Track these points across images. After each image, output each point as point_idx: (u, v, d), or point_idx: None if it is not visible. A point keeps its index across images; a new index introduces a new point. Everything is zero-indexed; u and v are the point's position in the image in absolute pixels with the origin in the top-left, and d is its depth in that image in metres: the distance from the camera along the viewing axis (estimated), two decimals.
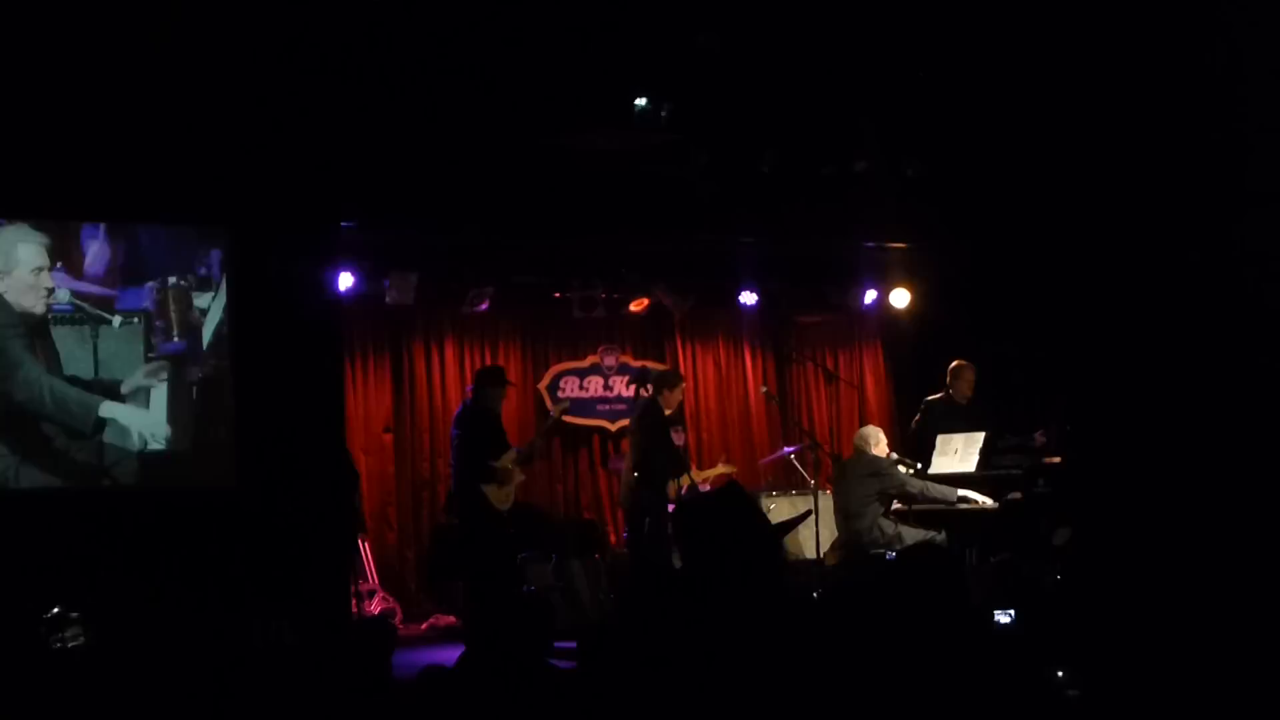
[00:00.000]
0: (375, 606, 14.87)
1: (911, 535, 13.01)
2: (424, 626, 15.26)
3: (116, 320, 12.57)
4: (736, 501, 4.66)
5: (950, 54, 13.21)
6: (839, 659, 4.18)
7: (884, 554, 12.71)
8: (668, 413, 14.42)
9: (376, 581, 15.28)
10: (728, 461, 16.43)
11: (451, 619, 15.11)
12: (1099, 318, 14.22)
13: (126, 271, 12.64)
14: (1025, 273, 15.35)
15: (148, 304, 12.69)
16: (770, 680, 4.11)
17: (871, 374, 18.88)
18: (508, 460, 13.80)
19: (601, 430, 17.39)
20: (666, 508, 14.02)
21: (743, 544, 4.46)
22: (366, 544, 15.32)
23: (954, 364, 14.99)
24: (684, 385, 15.29)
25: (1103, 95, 13.38)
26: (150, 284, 12.72)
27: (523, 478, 14.29)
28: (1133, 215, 13.81)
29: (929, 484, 13.41)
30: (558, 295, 16.70)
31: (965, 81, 13.66)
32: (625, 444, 15.93)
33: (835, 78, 13.55)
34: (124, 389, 12.51)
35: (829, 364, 18.30)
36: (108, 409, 12.43)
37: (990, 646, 4.91)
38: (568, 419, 16.62)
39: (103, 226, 12.60)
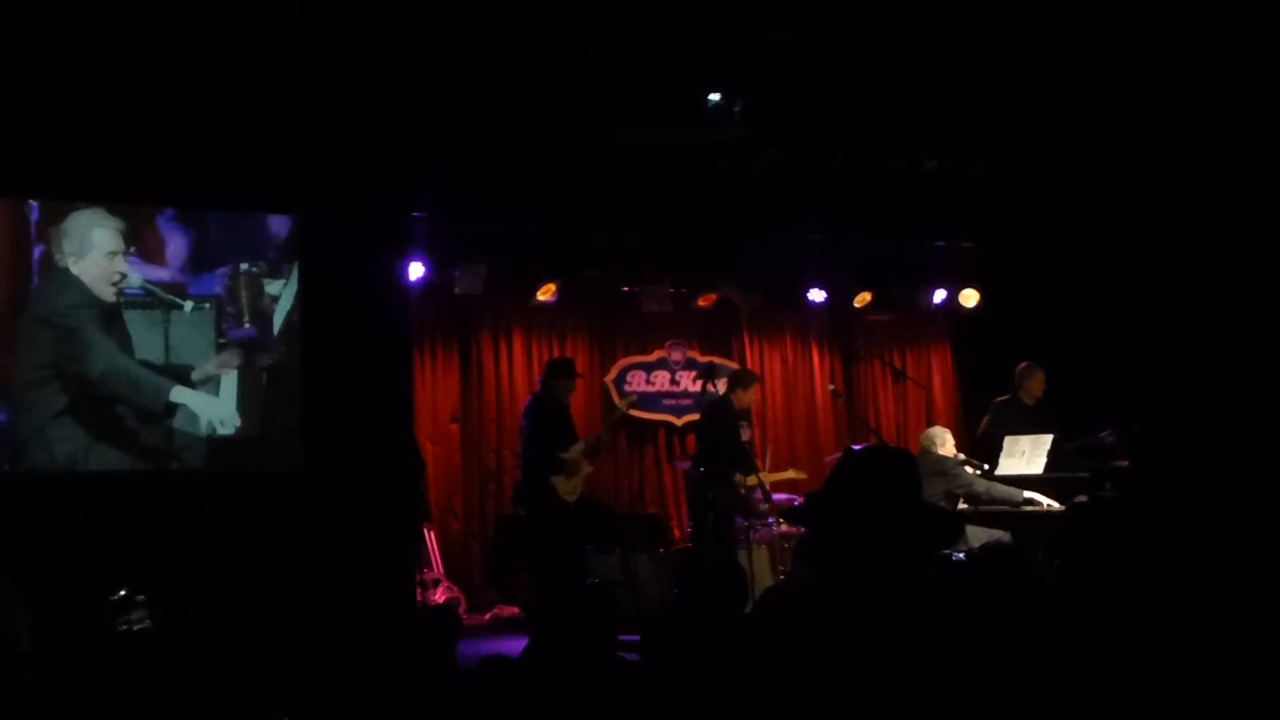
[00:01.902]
0: (439, 596, 14.91)
1: (977, 536, 12.96)
2: (488, 617, 15.30)
3: (188, 306, 12.67)
4: (905, 469, 4.55)
5: (1022, 53, 13.17)
6: (909, 657, 4.16)
7: (949, 555, 12.65)
8: (737, 410, 14.41)
9: (441, 571, 15.31)
10: (797, 467, 16.28)
11: (515, 610, 15.13)
12: (1172, 320, 14.15)
13: (199, 257, 12.75)
14: (1096, 273, 15.28)
15: (219, 290, 12.80)
16: (838, 673, 4.10)
17: (939, 374, 18.79)
18: (576, 452, 13.80)
19: (667, 425, 17.37)
20: (732, 504, 14.00)
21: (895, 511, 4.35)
22: (432, 533, 15.35)
23: (1022, 365, 14.90)
24: (758, 386, 15.25)
25: (1178, 97, 13.31)
26: (222, 270, 12.83)
27: (590, 470, 14.28)
28: (1210, 215, 13.74)
29: (994, 484, 13.35)
30: (626, 289, 16.69)
31: (1036, 81, 13.61)
32: (692, 439, 15.93)
33: (906, 75, 13.52)
34: (195, 376, 12.61)
35: (897, 363, 18.27)
36: (178, 394, 12.53)
37: (1068, 646, 4.87)
38: (634, 413, 16.62)
39: (176, 212, 12.70)
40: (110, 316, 12.37)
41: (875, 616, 4.14)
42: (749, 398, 14.64)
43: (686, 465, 15.22)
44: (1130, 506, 12.63)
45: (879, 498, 4.27)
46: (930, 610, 4.25)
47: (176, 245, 12.70)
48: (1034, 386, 14.83)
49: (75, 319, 12.26)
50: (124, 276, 12.43)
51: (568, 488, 13.68)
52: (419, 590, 13.77)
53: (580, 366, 15.66)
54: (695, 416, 15.82)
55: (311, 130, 12.57)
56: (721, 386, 14.59)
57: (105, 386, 12.32)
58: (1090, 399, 14.61)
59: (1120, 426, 13.99)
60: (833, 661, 4.11)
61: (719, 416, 14.32)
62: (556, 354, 16.17)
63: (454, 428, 16.32)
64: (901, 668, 4.06)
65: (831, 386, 17.24)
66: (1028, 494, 13.16)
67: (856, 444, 16.41)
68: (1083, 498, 13.11)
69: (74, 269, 12.27)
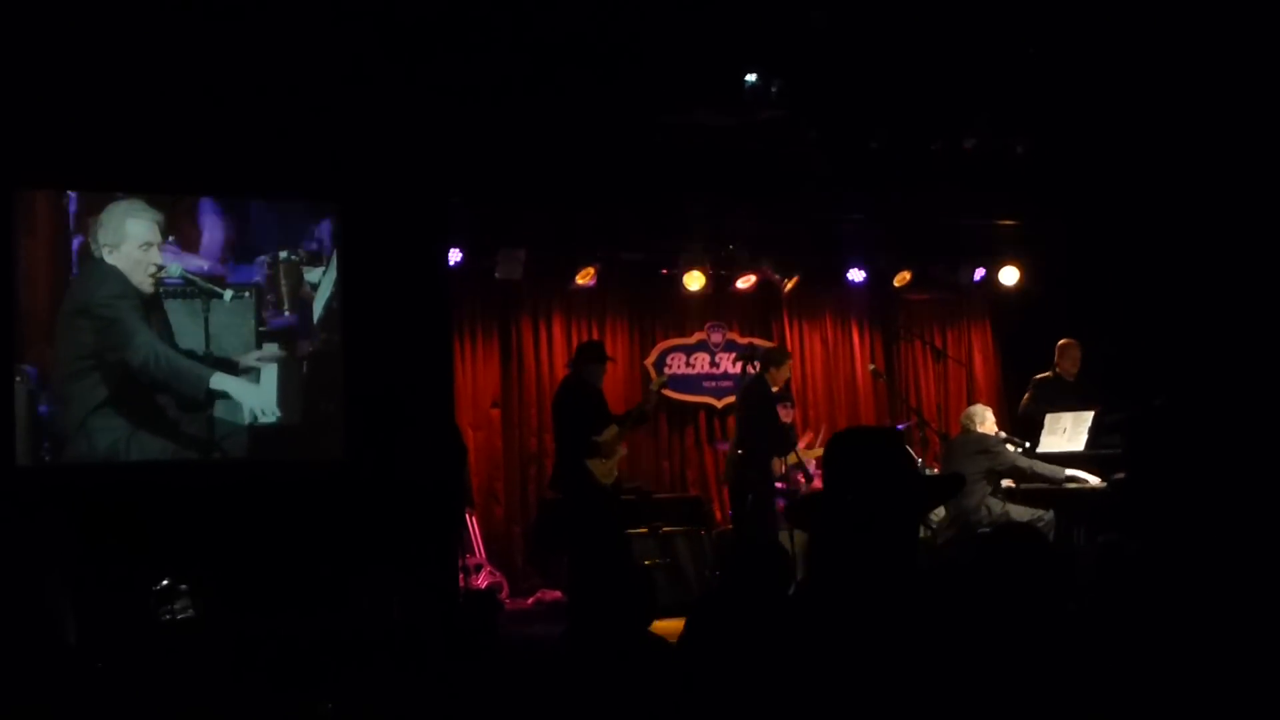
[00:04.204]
0: (482, 580, 14.93)
1: (1019, 514, 12.94)
2: (530, 601, 15.31)
3: (227, 294, 12.69)
4: (894, 446, 4.51)
5: (1061, 29, 13.10)
6: (931, 638, 4.13)
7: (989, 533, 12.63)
8: (775, 389, 14.37)
9: (483, 556, 15.33)
10: None
11: (557, 594, 15.14)
12: (1207, 299, 14.09)
13: (238, 246, 12.76)
14: (1135, 251, 15.22)
15: (258, 278, 12.81)
16: (872, 655, 4.07)
17: (980, 352, 18.76)
18: (610, 435, 13.79)
19: (707, 407, 17.37)
20: (771, 485, 13.98)
21: (889, 487, 4.31)
22: (474, 518, 15.38)
23: (1061, 342, 14.93)
24: (791, 362, 15.19)
25: (1225, 70, 13.23)
26: (261, 259, 12.84)
27: (625, 452, 14.26)
28: (1248, 200, 13.66)
29: (1036, 463, 13.33)
30: (665, 271, 16.66)
31: (1075, 57, 13.55)
32: (731, 421, 15.90)
33: (945, 54, 13.47)
34: (236, 365, 12.63)
35: (937, 342, 18.23)
36: (219, 381, 12.55)
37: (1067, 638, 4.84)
38: (674, 395, 16.63)
39: (216, 201, 12.72)
40: (150, 306, 12.39)
41: (869, 599, 4.12)
42: (783, 375, 14.58)
43: (726, 447, 15.21)
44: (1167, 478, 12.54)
45: (860, 475, 4.24)
46: (923, 593, 4.21)
47: (216, 234, 12.71)
48: (1070, 363, 14.84)
49: (115, 310, 12.28)
50: (160, 268, 12.45)
51: (604, 471, 13.65)
52: (461, 576, 13.79)
53: (620, 349, 15.68)
54: (735, 398, 15.81)
55: (349, 117, 12.57)
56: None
57: (146, 376, 12.34)
58: (1132, 376, 14.56)
59: (1124, 412, 13.96)
60: (835, 645, 4.09)
61: (755, 397, 14.28)
62: (597, 337, 16.17)
63: (495, 413, 16.36)
64: (900, 649, 4.04)
65: (872, 366, 17.20)
66: (1070, 471, 13.13)
67: (897, 423, 16.41)
68: (1123, 475, 13.09)
69: (109, 259, 12.29)
